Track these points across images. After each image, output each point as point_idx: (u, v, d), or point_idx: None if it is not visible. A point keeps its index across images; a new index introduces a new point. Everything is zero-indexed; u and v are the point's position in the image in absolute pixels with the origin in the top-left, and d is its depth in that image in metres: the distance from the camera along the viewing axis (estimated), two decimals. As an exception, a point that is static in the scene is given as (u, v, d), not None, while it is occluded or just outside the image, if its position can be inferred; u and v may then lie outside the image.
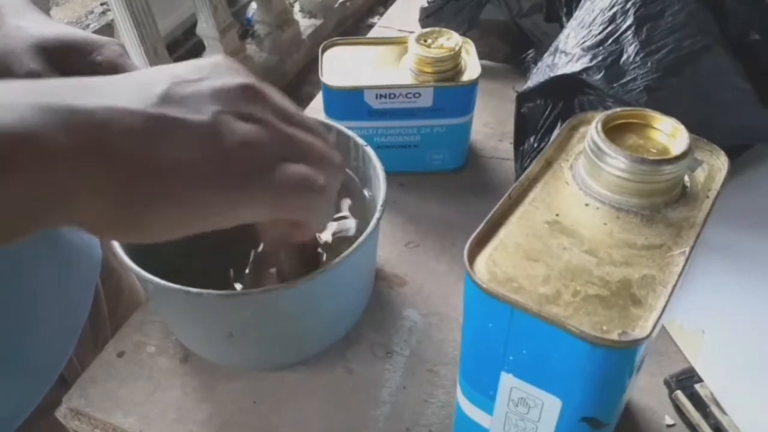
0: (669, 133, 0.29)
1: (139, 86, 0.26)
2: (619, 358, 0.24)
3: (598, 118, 0.29)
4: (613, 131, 0.29)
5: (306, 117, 0.31)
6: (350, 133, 0.47)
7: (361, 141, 0.46)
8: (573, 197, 0.29)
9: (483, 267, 0.26)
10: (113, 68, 0.41)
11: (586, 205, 0.29)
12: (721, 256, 0.48)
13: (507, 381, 0.28)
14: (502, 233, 0.28)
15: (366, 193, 0.48)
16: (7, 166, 0.22)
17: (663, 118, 0.30)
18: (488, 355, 0.28)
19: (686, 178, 0.30)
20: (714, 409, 0.41)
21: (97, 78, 0.26)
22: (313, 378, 0.45)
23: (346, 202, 0.53)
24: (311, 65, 2.29)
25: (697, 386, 0.42)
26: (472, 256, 0.26)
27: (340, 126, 0.48)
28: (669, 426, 0.41)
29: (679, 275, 0.25)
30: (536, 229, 0.28)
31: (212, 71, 0.28)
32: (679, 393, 0.42)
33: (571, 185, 0.30)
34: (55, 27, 0.43)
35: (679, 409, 0.42)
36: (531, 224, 0.28)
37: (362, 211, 0.48)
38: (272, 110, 0.28)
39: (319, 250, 0.46)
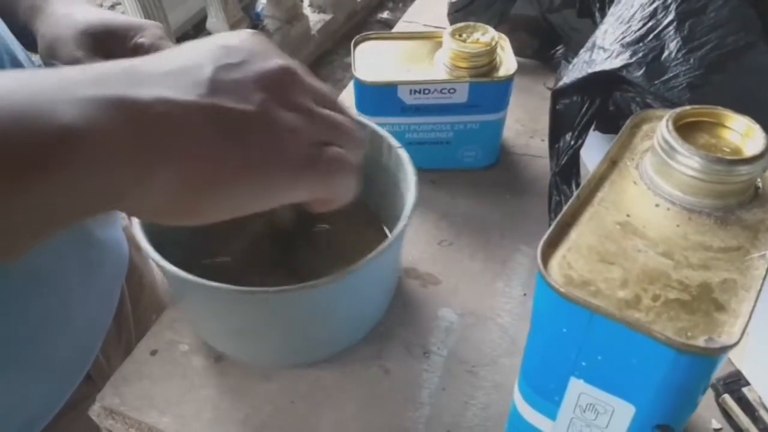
0: (743, 133, 0.28)
1: (184, 71, 0.26)
2: (704, 366, 0.24)
3: (668, 116, 0.28)
4: (683, 129, 0.28)
5: (333, 95, 0.33)
6: (384, 132, 0.46)
7: (395, 142, 0.45)
8: (642, 197, 0.28)
9: (557, 269, 0.25)
10: (154, 50, 0.42)
11: (657, 205, 0.28)
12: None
13: (576, 387, 0.27)
14: (574, 234, 0.27)
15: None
16: (69, 159, 0.22)
17: (737, 116, 0.29)
18: (558, 359, 0.27)
19: (758, 179, 0.29)
20: (763, 413, 0.40)
21: (140, 61, 0.27)
22: (349, 378, 0.44)
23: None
24: (321, 60, 2.28)
25: (744, 390, 0.41)
26: (546, 258, 0.25)
27: (374, 125, 0.47)
28: (716, 430, 0.41)
29: (763, 280, 0.25)
30: (608, 230, 0.27)
31: (249, 53, 0.28)
32: (726, 396, 0.41)
33: (639, 185, 0.29)
34: (100, 13, 0.44)
35: (726, 413, 0.41)
36: (602, 225, 0.27)
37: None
38: (309, 94, 0.30)
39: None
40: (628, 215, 0.28)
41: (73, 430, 0.53)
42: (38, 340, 0.47)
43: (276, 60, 0.29)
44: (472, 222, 0.55)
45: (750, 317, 0.23)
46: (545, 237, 0.26)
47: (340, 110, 0.32)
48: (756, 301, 0.24)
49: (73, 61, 0.41)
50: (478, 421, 0.42)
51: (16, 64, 0.45)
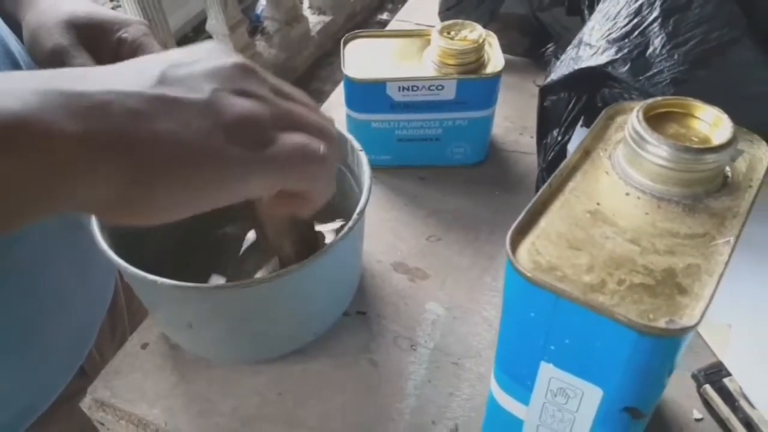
0: (711, 122, 0.29)
1: (135, 72, 0.26)
2: (666, 347, 0.24)
3: (638, 107, 0.29)
4: (654, 120, 0.29)
5: (298, 92, 0.32)
6: (348, 135, 0.47)
7: (357, 145, 0.46)
8: (613, 187, 0.29)
9: (526, 256, 0.26)
10: (137, 45, 0.42)
11: (627, 194, 0.29)
12: (748, 250, 0.47)
13: (546, 371, 0.27)
14: (544, 222, 0.27)
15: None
16: (9, 148, 0.22)
17: (705, 107, 0.29)
18: (528, 344, 0.27)
19: (727, 168, 0.30)
20: (743, 403, 0.40)
21: (94, 67, 0.27)
22: (337, 370, 0.45)
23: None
24: (320, 61, 2.29)
25: (725, 380, 0.42)
26: (515, 244, 0.26)
27: (338, 127, 0.48)
28: (697, 420, 0.41)
29: (725, 264, 0.25)
30: (578, 218, 0.27)
31: (206, 54, 0.28)
32: (707, 387, 0.41)
33: (610, 174, 0.30)
34: (86, 6, 0.44)
35: (707, 404, 0.41)
36: (572, 213, 0.28)
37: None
38: (268, 86, 0.29)
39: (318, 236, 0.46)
40: (598, 204, 0.28)
41: (68, 423, 0.53)
42: (32, 331, 0.48)
43: (232, 58, 0.28)
44: (461, 218, 0.56)
45: (711, 300, 0.24)
46: (515, 224, 0.27)
47: (304, 103, 0.31)
48: (717, 285, 0.24)
49: (56, 49, 0.40)
50: (462, 412, 0.42)
51: (9, 55, 0.45)
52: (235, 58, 0.28)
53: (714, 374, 0.42)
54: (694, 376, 0.42)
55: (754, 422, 0.39)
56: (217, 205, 0.27)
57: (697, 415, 0.41)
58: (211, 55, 0.28)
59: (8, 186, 0.22)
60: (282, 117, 0.28)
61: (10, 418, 0.48)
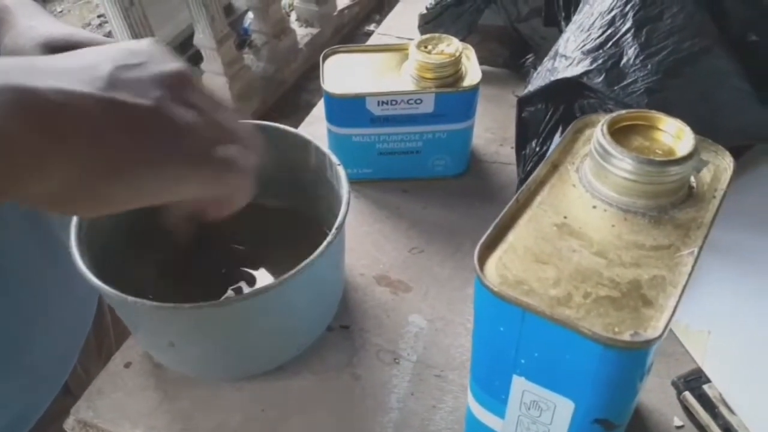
0: (674, 135, 0.29)
1: (83, 68, 0.27)
2: (632, 359, 0.24)
3: (603, 121, 0.29)
4: (619, 133, 0.29)
5: (228, 104, 0.34)
6: (326, 150, 0.47)
7: (335, 159, 0.46)
8: (580, 200, 0.29)
9: (493, 270, 0.26)
10: None
11: (594, 207, 0.29)
12: (725, 256, 0.48)
13: (519, 384, 0.28)
14: (511, 237, 0.28)
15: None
16: None
17: (668, 119, 0.30)
18: (500, 358, 0.28)
19: (692, 179, 0.30)
20: (723, 409, 0.41)
21: (43, 57, 0.28)
22: (320, 385, 0.45)
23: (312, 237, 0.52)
24: (309, 74, 2.30)
25: (705, 387, 0.42)
26: (482, 259, 0.26)
27: (316, 143, 0.48)
28: (678, 427, 0.41)
29: (689, 275, 0.26)
30: (545, 232, 0.28)
31: (148, 56, 0.30)
32: (687, 394, 0.42)
33: (578, 188, 0.30)
34: (64, 28, 0.45)
35: (687, 411, 0.42)
36: (540, 227, 0.28)
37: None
38: (203, 97, 0.31)
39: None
40: (565, 217, 0.29)
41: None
42: (12, 346, 0.47)
43: (174, 63, 0.30)
44: (443, 229, 0.56)
45: (674, 312, 0.24)
46: (483, 239, 0.27)
47: (234, 116, 0.33)
48: (681, 296, 0.25)
49: None
50: (446, 425, 0.43)
51: None
52: (176, 64, 0.30)
53: (693, 381, 0.42)
54: (674, 384, 0.43)
55: (734, 428, 0.39)
56: (151, 203, 0.29)
57: (677, 422, 0.42)
58: (155, 58, 0.30)
59: None
60: (216, 128, 0.31)
61: None
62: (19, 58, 0.27)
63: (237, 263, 0.50)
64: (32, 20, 0.46)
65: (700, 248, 0.27)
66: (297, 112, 2.07)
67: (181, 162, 0.28)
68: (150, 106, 0.27)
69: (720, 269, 0.48)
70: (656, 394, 0.43)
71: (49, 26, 0.45)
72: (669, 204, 0.29)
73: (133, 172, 0.27)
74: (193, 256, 0.45)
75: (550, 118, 0.54)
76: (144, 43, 0.31)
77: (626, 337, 0.23)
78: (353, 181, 0.44)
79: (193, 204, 0.33)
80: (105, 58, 0.28)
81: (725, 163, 0.31)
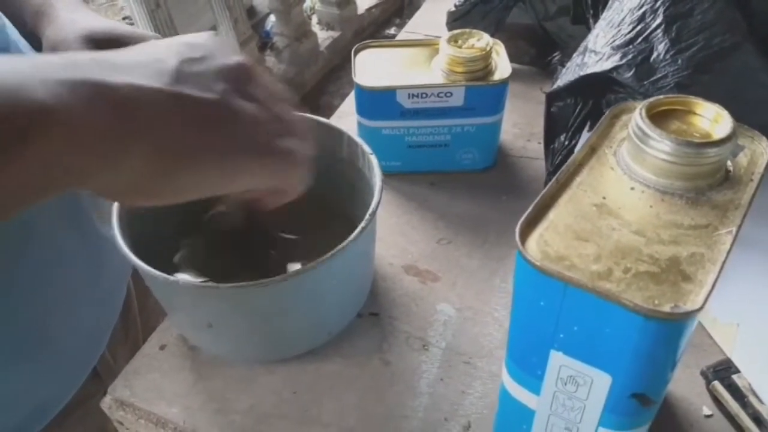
0: (712, 119, 0.30)
1: (151, 63, 0.28)
2: (671, 331, 0.25)
3: (641, 105, 0.30)
4: (657, 117, 0.30)
5: (286, 95, 0.35)
6: (359, 140, 0.48)
7: (367, 148, 0.47)
8: (618, 181, 0.30)
9: (534, 246, 0.27)
10: None
11: (632, 188, 0.30)
12: (754, 249, 0.48)
13: (557, 359, 0.28)
14: (552, 215, 0.28)
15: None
16: (44, 134, 0.23)
17: (706, 104, 0.30)
18: (538, 333, 0.28)
19: (729, 163, 0.31)
20: (752, 398, 0.41)
21: (110, 53, 0.29)
22: (350, 369, 0.46)
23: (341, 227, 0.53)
24: (329, 76, 2.32)
25: (734, 377, 0.42)
26: (524, 235, 0.27)
27: (349, 133, 0.49)
28: (707, 416, 0.42)
29: (728, 253, 0.26)
30: (584, 211, 0.29)
31: (209, 50, 0.31)
32: (716, 384, 0.42)
33: (615, 170, 0.31)
34: (105, 21, 0.46)
35: (717, 400, 0.42)
36: (579, 206, 0.29)
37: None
38: (264, 90, 0.32)
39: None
40: (604, 197, 0.29)
41: (82, 426, 0.55)
42: (42, 334, 0.49)
43: (234, 57, 0.31)
44: (470, 222, 0.57)
45: (713, 287, 0.25)
46: (524, 217, 0.28)
47: (290, 108, 0.34)
48: (720, 272, 0.25)
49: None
50: (475, 410, 0.43)
51: None
52: (237, 57, 0.31)
53: (723, 371, 0.43)
54: (703, 373, 0.43)
55: (764, 418, 0.40)
56: (215, 193, 0.30)
57: (706, 411, 0.42)
58: (216, 51, 0.31)
59: (35, 170, 0.24)
60: (277, 120, 0.32)
61: (21, 420, 0.49)
62: (86, 53, 0.28)
63: (271, 248, 0.51)
64: (73, 13, 0.48)
65: (739, 228, 0.27)
66: (317, 114, 2.09)
67: (245, 153, 0.30)
68: (215, 99, 0.29)
69: (747, 263, 0.48)
70: (685, 383, 0.43)
71: (90, 19, 0.47)
72: (706, 186, 0.29)
73: (200, 163, 0.28)
74: (237, 241, 0.47)
75: (579, 113, 0.55)
76: (204, 37, 0.32)
77: (667, 308, 0.24)
78: (382, 174, 0.45)
79: (251, 194, 0.34)
80: (170, 52, 0.29)
81: (762, 148, 0.31)
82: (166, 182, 0.28)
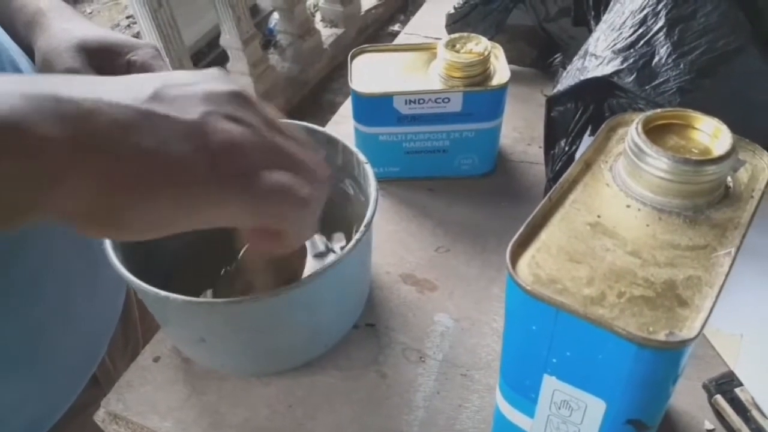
0: (711, 134, 0.29)
1: (129, 86, 0.26)
2: (666, 360, 0.24)
3: (638, 119, 0.29)
4: (654, 132, 0.29)
5: (294, 128, 0.31)
6: (354, 149, 0.47)
7: (362, 158, 0.46)
8: (614, 199, 0.29)
9: (526, 269, 0.26)
10: (147, 68, 0.43)
11: (628, 206, 0.29)
12: (758, 260, 0.47)
13: (550, 383, 0.28)
14: (544, 235, 0.28)
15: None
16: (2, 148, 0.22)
17: (705, 118, 0.29)
18: (531, 357, 0.27)
19: (729, 178, 0.30)
20: (755, 413, 0.40)
21: (89, 77, 0.27)
22: (346, 382, 0.45)
23: (339, 237, 0.52)
24: (333, 74, 2.31)
25: (737, 390, 0.41)
26: (515, 258, 0.26)
27: (344, 141, 0.48)
28: (708, 431, 0.41)
29: (726, 276, 0.25)
30: (578, 230, 0.28)
31: (204, 78, 0.28)
32: (718, 397, 0.41)
33: (611, 187, 0.30)
34: (97, 30, 0.45)
35: (718, 414, 0.41)
36: (573, 226, 0.28)
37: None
38: (260, 117, 0.28)
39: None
40: (599, 216, 0.28)
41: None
42: (40, 342, 0.48)
43: (231, 85, 0.28)
44: (469, 229, 0.56)
45: (711, 312, 0.24)
46: (515, 237, 0.27)
47: (295, 138, 0.30)
48: (717, 297, 0.24)
49: (67, 72, 0.42)
50: (472, 424, 0.43)
51: (18, 72, 0.47)
52: (234, 86, 0.28)
53: (725, 384, 0.42)
54: (705, 387, 0.42)
55: (767, 433, 0.39)
56: (190, 228, 0.27)
57: (708, 425, 0.41)
58: (210, 80, 0.28)
59: None
60: (269, 151, 0.28)
61: (22, 429, 0.49)
62: (63, 75, 0.26)
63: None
64: (66, 23, 0.47)
65: (738, 249, 0.26)
66: (320, 111, 2.08)
67: (213, 186, 0.26)
68: (191, 121, 0.26)
69: (752, 273, 0.47)
70: (687, 396, 0.42)
71: (83, 28, 0.46)
72: (705, 204, 0.28)
73: (159, 192, 0.25)
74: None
75: (580, 117, 0.54)
76: (207, 70, 0.29)
77: (661, 336, 0.23)
78: (379, 180, 0.44)
79: (252, 234, 0.30)
80: (157, 78, 0.27)
81: (763, 162, 0.30)
82: (121, 210, 0.25)
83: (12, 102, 0.23)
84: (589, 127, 0.54)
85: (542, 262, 0.26)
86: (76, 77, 0.26)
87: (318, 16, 2.47)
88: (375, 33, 2.55)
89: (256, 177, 0.27)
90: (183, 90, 0.27)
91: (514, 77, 0.55)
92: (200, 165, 0.25)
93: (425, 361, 0.46)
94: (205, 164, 0.26)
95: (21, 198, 0.24)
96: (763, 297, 0.46)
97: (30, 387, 0.49)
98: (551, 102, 0.55)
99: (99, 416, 0.46)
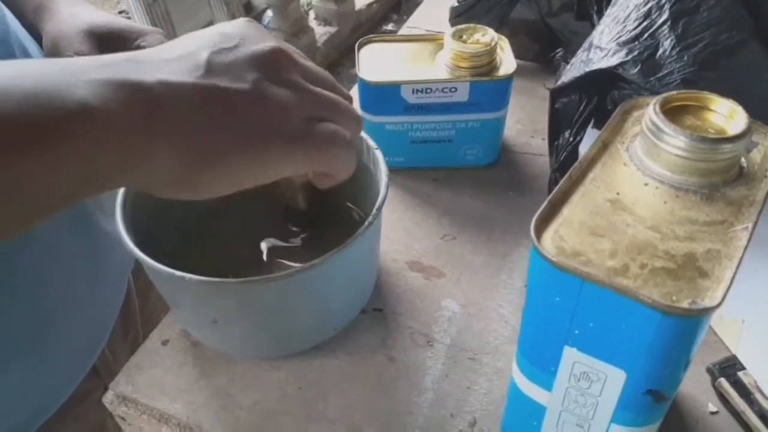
0: (726, 115, 0.30)
1: (181, 57, 0.28)
2: (689, 328, 0.25)
3: (655, 100, 0.30)
4: (670, 113, 0.30)
5: (326, 75, 0.35)
6: (364, 134, 0.48)
7: (372, 143, 0.47)
8: (632, 177, 0.30)
9: (550, 242, 0.27)
10: None
11: (645, 184, 0.29)
12: (759, 245, 0.48)
13: (570, 355, 0.28)
14: (566, 211, 0.28)
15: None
16: (75, 135, 0.24)
17: (720, 99, 0.30)
18: (552, 330, 0.28)
19: (742, 159, 0.31)
20: (758, 395, 0.41)
21: (141, 52, 0.29)
22: (355, 365, 0.46)
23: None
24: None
25: (740, 374, 0.42)
26: (539, 231, 0.27)
27: None
28: (712, 413, 0.42)
29: (744, 249, 0.26)
30: (599, 206, 0.28)
31: (243, 37, 0.30)
32: (722, 380, 0.42)
33: (628, 166, 0.31)
34: (105, 15, 0.46)
35: (722, 397, 0.42)
36: (593, 202, 0.29)
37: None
38: (301, 72, 0.32)
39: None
40: (618, 193, 0.29)
41: (81, 422, 0.54)
42: (43, 332, 0.48)
43: (268, 42, 0.31)
44: (474, 218, 0.57)
45: (731, 283, 0.25)
46: (538, 213, 0.27)
47: (334, 88, 0.34)
48: (737, 269, 0.25)
49: (76, 56, 0.42)
50: (480, 406, 0.43)
51: (27, 56, 0.47)
52: (270, 43, 0.31)
53: (728, 368, 0.43)
54: (709, 370, 0.43)
55: (769, 414, 0.40)
56: (257, 183, 0.30)
57: (712, 408, 0.42)
58: (248, 39, 0.30)
59: (72, 167, 0.24)
60: (314, 102, 0.31)
61: (20, 420, 0.49)
62: (117, 54, 0.28)
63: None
64: (74, 8, 0.48)
65: (755, 224, 0.27)
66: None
67: (280, 144, 0.29)
68: (246, 89, 0.28)
69: (753, 258, 0.48)
70: (691, 380, 0.43)
71: (90, 13, 0.47)
72: (721, 182, 0.29)
73: (234, 155, 0.28)
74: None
75: (584, 109, 0.55)
76: (238, 23, 0.32)
77: (685, 304, 0.24)
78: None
79: (300, 177, 0.34)
80: (201, 44, 0.29)
81: (775, 144, 0.31)
82: (199, 175, 0.28)
83: (87, 88, 0.24)
84: (593, 119, 0.55)
85: (566, 236, 0.27)
86: (138, 57, 0.28)
87: (312, 14, 2.47)
88: (368, 31, 2.55)
89: (310, 130, 0.30)
90: (231, 56, 0.29)
91: (517, 71, 0.56)
92: (261, 129, 0.29)
93: (433, 345, 0.47)
94: (268, 128, 0.29)
95: (98, 178, 0.26)
96: (765, 283, 0.47)
97: (33, 376, 0.49)
98: (555, 93, 0.55)
99: (107, 398, 0.45)
